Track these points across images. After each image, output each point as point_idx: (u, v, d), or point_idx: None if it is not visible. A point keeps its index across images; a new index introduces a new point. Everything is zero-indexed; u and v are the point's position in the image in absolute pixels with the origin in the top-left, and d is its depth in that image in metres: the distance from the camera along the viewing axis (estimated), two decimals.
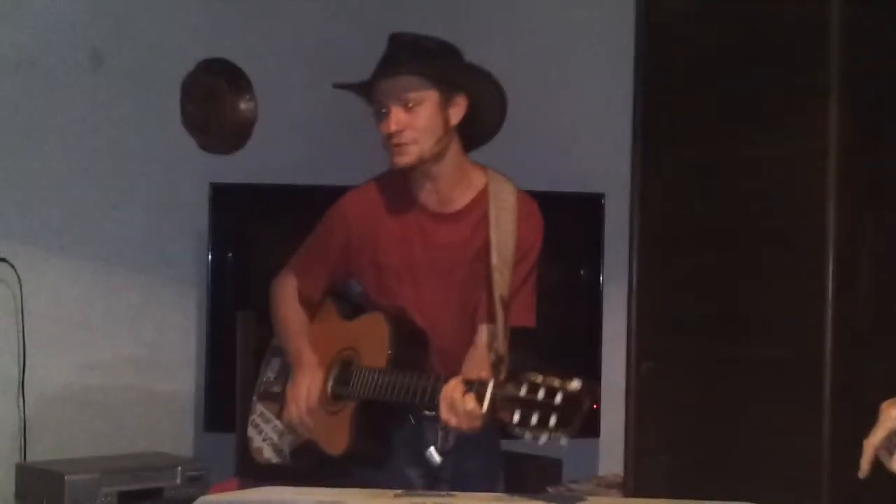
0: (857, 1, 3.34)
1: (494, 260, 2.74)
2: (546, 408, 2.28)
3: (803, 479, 3.24)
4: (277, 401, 3.04)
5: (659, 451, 3.53)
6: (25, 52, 3.91)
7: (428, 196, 2.84)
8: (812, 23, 3.38)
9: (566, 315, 4.04)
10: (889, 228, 3.36)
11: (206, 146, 4.36)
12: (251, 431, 3.09)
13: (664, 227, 3.64)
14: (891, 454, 2.14)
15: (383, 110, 2.74)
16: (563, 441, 2.30)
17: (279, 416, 3.02)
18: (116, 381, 4.10)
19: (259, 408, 3.10)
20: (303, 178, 4.11)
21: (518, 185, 2.88)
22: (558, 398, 2.27)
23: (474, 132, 2.85)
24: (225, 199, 4.15)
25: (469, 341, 2.81)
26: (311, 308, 3.02)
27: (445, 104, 2.76)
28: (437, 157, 2.77)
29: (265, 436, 3.04)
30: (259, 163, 4.35)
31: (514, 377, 2.37)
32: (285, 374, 3.06)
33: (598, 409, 3.70)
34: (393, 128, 2.71)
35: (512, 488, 2.93)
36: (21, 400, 3.84)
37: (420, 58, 2.74)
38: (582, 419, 2.28)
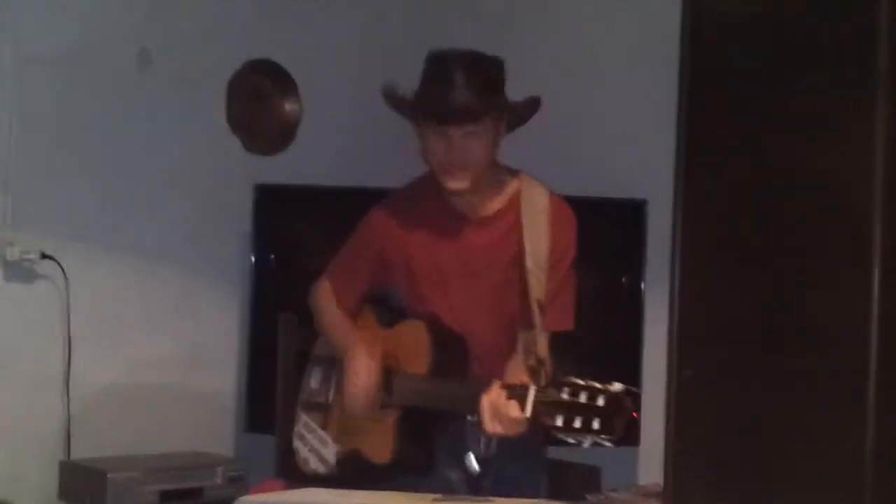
0: None
1: (529, 264, 2.75)
2: (589, 411, 2.29)
3: (846, 488, 3.20)
4: (321, 411, 3.05)
5: (699, 459, 3.50)
6: (73, 51, 3.95)
7: (461, 203, 2.84)
8: (860, 29, 3.34)
9: (607, 322, 4.02)
10: None
11: (250, 147, 4.38)
12: (296, 443, 3.10)
13: (707, 235, 3.61)
14: None
15: (442, 133, 2.73)
16: (607, 444, 2.30)
17: (323, 425, 3.03)
18: (159, 380, 4.14)
19: (303, 418, 3.10)
20: (346, 180, 4.12)
21: (560, 190, 2.88)
22: (601, 401, 2.28)
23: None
24: (269, 199, 4.17)
25: (508, 347, 2.81)
26: (349, 315, 3.03)
27: (496, 129, 2.77)
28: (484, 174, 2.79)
29: (310, 447, 3.05)
30: (303, 164, 4.37)
31: (556, 381, 2.38)
32: (328, 383, 3.07)
33: (639, 417, 3.69)
34: (458, 155, 2.72)
35: (551, 496, 2.94)
36: (66, 397, 3.88)
37: (488, 98, 2.73)
38: (625, 421, 2.29)
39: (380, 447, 2.85)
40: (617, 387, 2.31)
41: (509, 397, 2.52)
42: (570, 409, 2.32)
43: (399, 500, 2.55)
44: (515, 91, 2.88)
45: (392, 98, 2.86)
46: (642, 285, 4.06)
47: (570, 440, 2.35)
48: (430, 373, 2.77)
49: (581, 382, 2.33)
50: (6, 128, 3.85)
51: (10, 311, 3.85)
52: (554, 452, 3.01)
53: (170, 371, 4.16)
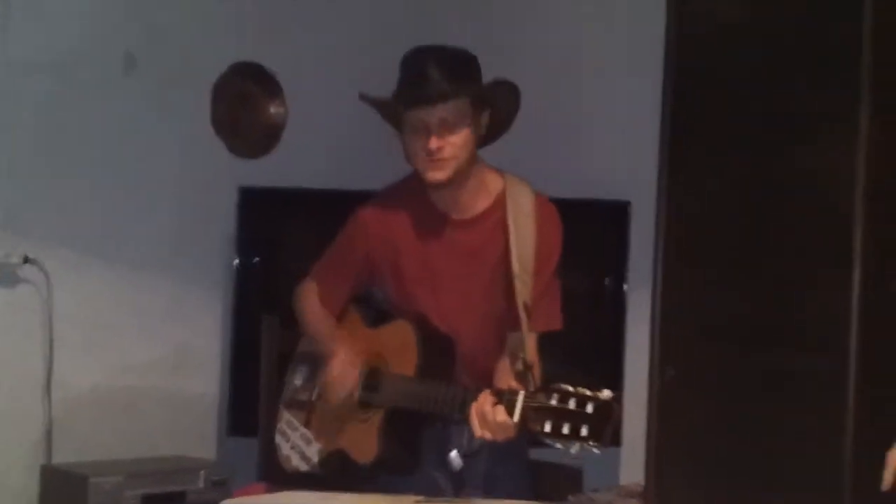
0: (890, 12, 3.31)
1: (515, 268, 2.75)
2: (578, 417, 2.30)
3: (827, 489, 3.20)
4: (304, 409, 3.05)
5: (681, 459, 3.50)
6: (57, 55, 3.94)
7: (445, 202, 2.85)
8: (844, 33, 3.35)
9: (590, 322, 4.02)
10: None
11: (235, 150, 4.37)
12: (278, 439, 3.10)
13: (690, 236, 3.61)
14: None
15: (419, 126, 2.74)
16: (595, 450, 2.30)
17: (306, 423, 3.03)
18: (142, 384, 4.12)
19: (286, 415, 3.11)
20: (331, 183, 4.12)
21: (543, 191, 2.88)
22: (589, 408, 2.29)
23: (489, 132, 2.86)
24: (253, 202, 4.17)
25: (494, 347, 2.82)
26: (333, 315, 3.03)
27: (477, 120, 2.78)
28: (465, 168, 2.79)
29: (292, 444, 3.05)
30: (288, 167, 4.36)
31: (545, 387, 2.39)
32: (312, 381, 3.06)
33: (621, 417, 3.68)
34: (434, 146, 2.73)
35: (533, 497, 2.93)
36: (47, 401, 3.87)
37: (460, 81, 2.75)
38: (613, 429, 2.29)
39: (365, 447, 2.85)
40: (606, 394, 2.32)
41: (498, 402, 2.52)
42: (559, 416, 2.33)
43: (381, 503, 2.55)
44: None
45: (371, 100, 2.87)
46: (625, 286, 4.06)
47: (558, 445, 2.35)
48: (418, 373, 2.77)
49: (570, 389, 2.34)
50: None
51: None
52: (535, 453, 3.01)
53: (152, 374, 4.15)
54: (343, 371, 2.89)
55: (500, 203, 2.85)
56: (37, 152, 3.93)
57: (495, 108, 2.83)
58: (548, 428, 2.34)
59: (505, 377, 2.70)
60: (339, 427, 2.96)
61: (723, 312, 3.48)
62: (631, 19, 4.10)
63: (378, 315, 3.03)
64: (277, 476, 3.29)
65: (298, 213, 4.20)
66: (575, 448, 2.34)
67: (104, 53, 4.06)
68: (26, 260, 3.86)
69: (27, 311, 3.88)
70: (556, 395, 2.35)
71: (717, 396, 3.44)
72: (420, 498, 2.63)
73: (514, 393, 2.48)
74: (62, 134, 3.98)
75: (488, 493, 2.86)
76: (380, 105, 2.86)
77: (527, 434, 2.82)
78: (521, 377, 2.57)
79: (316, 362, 3.09)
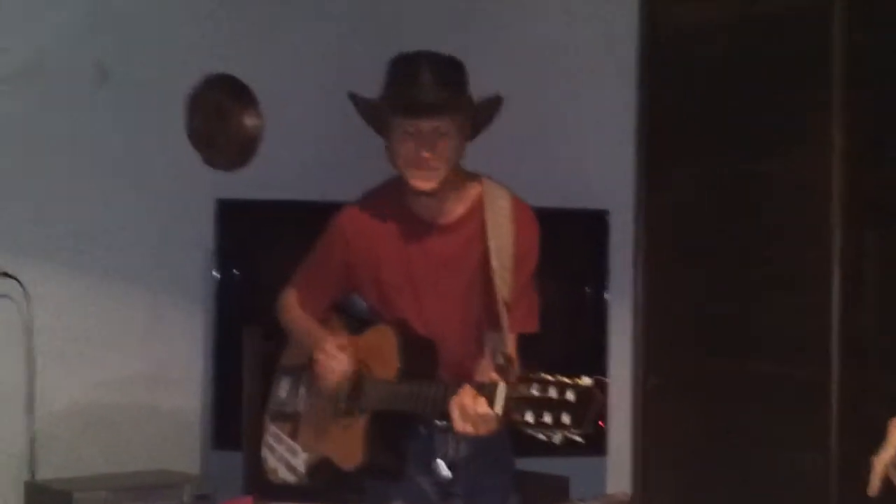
0: (859, 19, 3.35)
1: (494, 264, 2.76)
2: (559, 406, 2.29)
3: (812, 496, 3.24)
4: (290, 420, 3.06)
5: (666, 467, 3.54)
6: (31, 68, 3.92)
7: (424, 207, 2.86)
8: (815, 39, 3.39)
9: (571, 331, 4.04)
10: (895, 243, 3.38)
11: (211, 162, 4.37)
12: (265, 452, 3.10)
13: (669, 244, 3.65)
14: None
15: (410, 130, 2.75)
16: (577, 438, 2.30)
17: (292, 435, 3.04)
18: (124, 399, 4.11)
19: (272, 428, 3.11)
20: (309, 194, 4.12)
21: (523, 201, 2.90)
22: (570, 395, 2.28)
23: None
24: (231, 214, 4.16)
25: (476, 350, 2.83)
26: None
27: (462, 131, 2.80)
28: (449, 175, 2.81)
29: (279, 456, 3.05)
30: (265, 178, 4.36)
31: (525, 378, 2.38)
32: (296, 392, 3.07)
33: (605, 426, 3.71)
34: (428, 153, 2.74)
35: None
36: (29, 417, 3.85)
37: (453, 91, 2.76)
38: (595, 414, 2.29)
39: (350, 453, 2.85)
40: (586, 381, 2.31)
41: (479, 395, 2.52)
42: (540, 405, 2.32)
43: None
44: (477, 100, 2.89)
45: (359, 101, 2.87)
46: (606, 295, 4.08)
47: (541, 436, 2.34)
48: (399, 377, 2.78)
49: (550, 378, 2.33)
50: None
51: None
52: (522, 463, 3.03)
53: (135, 388, 4.14)
54: (334, 353, 2.89)
55: (478, 207, 2.86)
56: (12, 165, 3.91)
57: (481, 119, 2.85)
58: (529, 418, 2.33)
59: (485, 374, 2.70)
60: (323, 435, 2.96)
61: (704, 320, 3.52)
62: (607, 30, 4.13)
63: (360, 323, 3.04)
64: (263, 489, 3.29)
65: (277, 224, 4.19)
66: (557, 437, 2.32)
67: (78, 66, 4.04)
68: (4, 274, 3.83)
69: (6, 326, 3.85)
70: (536, 385, 2.34)
71: (701, 405, 3.48)
72: None
73: (495, 385, 2.47)
74: (38, 148, 3.96)
75: (474, 502, 2.87)
76: (369, 107, 2.85)
77: (511, 442, 2.85)
78: (502, 372, 2.56)
79: (300, 374, 3.10)
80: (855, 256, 3.31)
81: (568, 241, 3.89)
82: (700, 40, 3.64)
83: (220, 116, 4.39)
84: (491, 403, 2.45)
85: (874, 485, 2.22)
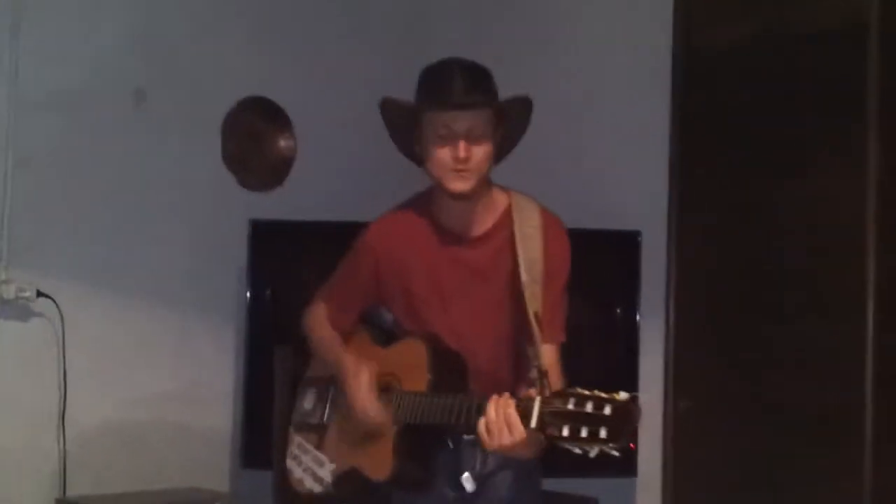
0: (894, 40, 3.34)
1: (524, 277, 2.75)
2: (596, 420, 2.28)
3: None
4: (315, 431, 3.06)
5: (697, 490, 3.51)
6: (69, 90, 3.97)
7: (453, 220, 2.86)
8: (851, 59, 3.37)
9: (602, 352, 4.02)
10: None
11: (245, 183, 4.40)
12: (290, 463, 3.10)
13: (701, 265, 3.63)
14: None
15: (443, 133, 2.75)
16: (614, 453, 2.29)
17: (318, 446, 3.03)
18: (156, 417, 4.13)
19: (297, 439, 3.11)
20: (341, 215, 4.12)
21: (553, 213, 2.89)
22: (607, 409, 2.27)
23: (499, 150, 2.87)
24: (264, 235, 4.18)
25: (507, 365, 2.82)
26: (343, 338, 3.04)
27: (496, 134, 2.80)
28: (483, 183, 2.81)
29: (305, 466, 3.05)
30: (298, 200, 4.38)
31: (562, 392, 2.37)
32: (323, 403, 3.07)
33: (636, 447, 3.68)
34: (463, 154, 2.74)
35: None
36: (61, 435, 3.88)
37: (487, 92, 2.78)
38: (631, 429, 2.28)
39: (379, 464, 2.84)
40: (623, 395, 2.30)
41: (514, 409, 2.51)
42: (577, 419, 2.31)
43: None
44: None
45: (392, 104, 2.87)
46: (637, 316, 4.06)
47: (577, 450, 2.33)
48: (430, 390, 2.77)
49: (586, 392, 2.33)
50: (3, 168, 3.86)
51: (6, 349, 3.85)
52: (551, 484, 3.01)
53: (166, 407, 4.15)
54: (366, 381, 2.89)
55: (507, 219, 2.85)
56: (50, 188, 3.95)
57: (510, 123, 2.85)
58: (566, 432, 2.32)
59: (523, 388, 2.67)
60: (352, 447, 2.95)
61: (736, 343, 3.49)
62: (641, 51, 4.13)
63: (387, 334, 3.03)
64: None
65: (309, 244, 4.20)
66: (594, 451, 2.31)
67: (115, 90, 4.09)
68: (39, 294, 3.87)
69: (41, 345, 3.88)
70: (572, 399, 2.34)
71: (732, 427, 3.45)
72: None
73: (531, 399, 2.46)
74: (75, 170, 4.00)
75: None
76: (402, 110, 2.86)
77: (542, 464, 2.83)
78: (536, 384, 2.55)
79: (326, 385, 3.09)
80: (889, 279, 3.28)
81: (600, 261, 3.87)
82: (734, 60, 3.64)
83: (254, 138, 4.43)
84: (527, 419, 2.45)
85: None
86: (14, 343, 3.87)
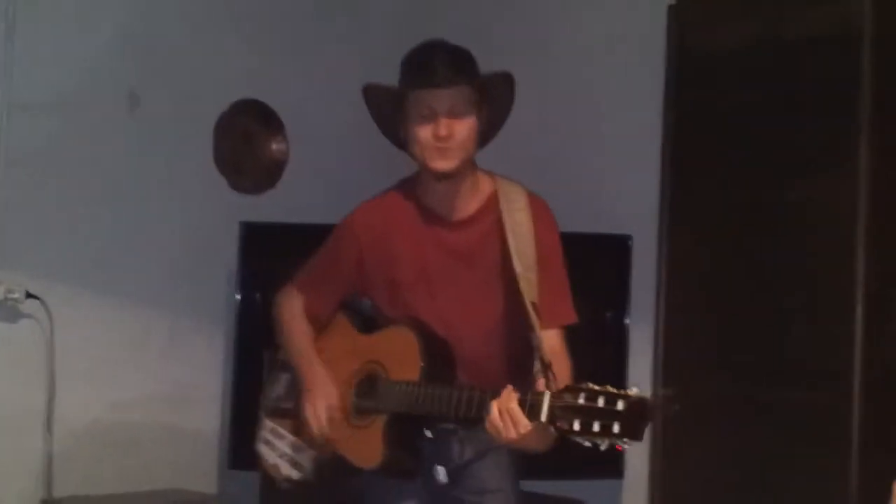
0: (889, 44, 3.34)
1: (518, 268, 2.73)
2: (608, 415, 2.28)
3: None
4: (291, 417, 3.01)
5: (683, 491, 3.50)
6: (61, 93, 3.96)
7: (438, 204, 2.85)
8: (844, 64, 3.37)
9: (591, 356, 3.98)
10: None
11: (237, 186, 4.40)
12: (262, 449, 3.06)
13: (691, 269, 3.62)
14: None
15: (426, 113, 2.75)
16: (626, 445, 2.30)
17: (294, 431, 3.00)
18: (143, 418, 4.12)
19: (269, 424, 3.06)
20: (332, 218, 4.08)
21: (538, 196, 2.88)
22: (620, 405, 2.27)
23: (485, 131, 2.87)
24: (255, 238, 4.16)
25: (498, 354, 2.80)
26: (319, 326, 3.00)
27: (480, 112, 2.79)
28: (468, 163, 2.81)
29: (280, 452, 3.01)
30: (289, 203, 4.38)
31: (572, 387, 2.37)
32: (296, 389, 3.02)
33: (623, 449, 3.67)
34: (444, 132, 2.73)
35: None
36: (48, 436, 3.86)
37: (467, 70, 2.78)
38: (648, 423, 2.29)
39: (368, 453, 2.82)
40: (636, 391, 2.31)
41: (523, 402, 2.50)
42: (588, 414, 2.31)
43: None
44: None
45: (374, 88, 2.87)
46: (627, 320, 4.05)
47: (587, 443, 2.33)
48: (423, 379, 2.75)
49: (597, 388, 2.33)
50: None
51: None
52: (538, 486, 3.00)
53: (154, 409, 4.14)
54: (326, 399, 2.88)
55: (492, 203, 2.84)
56: (40, 190, 3.95)
57: (494, 102, 2.84)
58: (577, 426, 2.32)
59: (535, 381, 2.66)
60: (334, 434, 2.92)
61: (725, 346, 3.49)
62: (634, 54, 4.12)
63: (367, 320, 2.98)
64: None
65: (300, 248, 4.16)
66: (605, 445, 2.32)
67: (107, 93, 4.09)
68: (28, 295, 3.86)
69: (29, 346, 3.88)
70: (583, 394, 2.33)
71: (720, 431, 3.44)
72: None
73: (540, 394, 2.45)
74: (66, 172, 4.00)
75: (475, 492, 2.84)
76: (384, 93, 2.85)
77: (528, 467, 2.82)
78: (542, 376, 2.54)
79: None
80: (879, 283, 3.28)
81: (590, 265, 3.85)
82: (728, 63, 3.63)
83: (246, 141, 4.43)
84: (537, 413, 2.44)
85: None
86: (2, 344, 3.86)
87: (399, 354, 2.80)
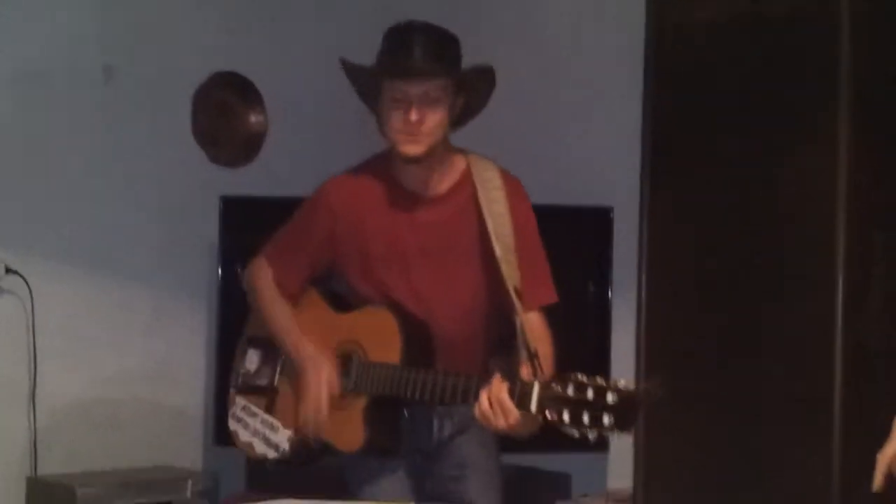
0: (867, 19, 3.34)
1: (498, 251, 2.74)
2: (598, 407, 2.29)
3: (816, 494, 3.22)
4: (265, 394, 2.99)
5: (668, 465, 3.52)
6: (37, 66, 3.93)
7: (412, 180, 2.85)
8: (823, 40, 3.37)
9: (574, 330, 4.01)
10: None
11: (216, 159, 4.37)
12: (234, 425, 3.02)
13: (673, 242, 3.62)
14: None
15: (399, 97, 2.74)
16: (617, 437, 2.33)
17: (268, 409, 2.97)
18: (126, 395, 4.11)
19: (241, 401, 3.03)
20: (312, 191, 4.11)
21: (510, 173, 2.89)
22: (611, 398, 2.28)
23: (460, 115, 2.87)
24: (235, 211, 4.15)
25: (477, 336, 2.81)
26: (288, 298, 2.97)
27: (453, 101, 2.79)
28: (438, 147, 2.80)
29: (253, 430, 2.98)
30: (269, 176, 4.37)
31: (562, 377, 2.38)
32: (271, 366, 3.00)
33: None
34: (415, 118, 2.73)
35: (521, 503, 2.93)
36: (32, 413, 3.86)
37: (444, 61, 2.76)
38: (636, 417, 2.32)
39: (349, 436, 2.81)
40: (623, 383, 2.32)
41: (512, 392, 2.51)
42: (578, 405, 2.33)
43: None
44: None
45: (351, 67, 2.86)
46: (609, 293, 4.07)
47: (575, 433, 2.35)
48: (403, 361, 2.75)
49: (585, 379, 2.34)
50: None
51: None
52: (524, 459, 3.02)
53: (137, 385, 4.14)
54: (326, 378, 2.86)
55: (466, 179, 2.85)
56: (16, 163, 3.92)
57: (472, 93, 2.84)
58: (566, 418, 2.34)
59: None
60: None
61: (708, 320, 3.50)
62: (613, 27, 4.12)
63: (341, 299, 2.95)
64: (263, 479, 3.25)
65: (281, 221, 4.17)
66: (593, 435, 2.34)
67: (84, 65, 4.06)
68: (7, 270, 3.85)
69: (9, 322, 3.87)
70: (571, 385, 2.35)
71: (703, 404, 3.46)
72: None
73: (530, 384, 2.46)
74: (43, 146, 3.97)
75: (457, 482, 2.85)
76: (362, 74, 2.85)
77: (515, 441, 2.84)
78: (529, 363, 2.56)
79: (271, 347, 3.01)
80: (860, 261, 3.29)
81: (571, 238, 3.88)
82: (706, 39, 3.62)
83: (224, 114, 4.40)
84: (526, 404, 2.45)
85: (878, 480, 2.22)
86: None
87: (378, 336, 2.79)
